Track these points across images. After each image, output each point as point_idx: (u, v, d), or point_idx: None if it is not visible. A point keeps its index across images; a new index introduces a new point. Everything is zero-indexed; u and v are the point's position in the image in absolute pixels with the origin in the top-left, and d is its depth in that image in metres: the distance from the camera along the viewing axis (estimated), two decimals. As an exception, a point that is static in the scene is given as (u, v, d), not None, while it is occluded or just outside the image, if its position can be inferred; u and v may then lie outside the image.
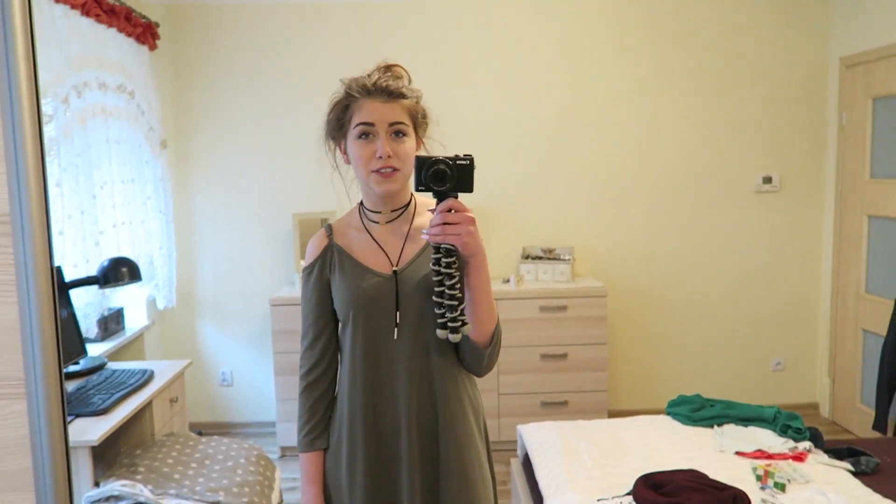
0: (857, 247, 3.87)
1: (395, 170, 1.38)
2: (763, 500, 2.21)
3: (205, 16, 3.93)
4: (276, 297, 3.72)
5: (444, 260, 1.30)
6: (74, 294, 2.79)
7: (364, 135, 1.39)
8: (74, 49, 2.82)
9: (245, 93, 3.98)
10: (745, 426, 2.79)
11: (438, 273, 1.31)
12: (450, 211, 1.28)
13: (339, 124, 1.44)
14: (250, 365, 4.14)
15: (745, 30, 4.03)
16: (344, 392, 1.47)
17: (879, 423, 3.24)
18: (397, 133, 1.39)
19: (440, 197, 1.29)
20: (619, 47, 4.03)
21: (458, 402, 1.45)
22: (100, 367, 2.75)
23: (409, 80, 1.45)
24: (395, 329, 1.42)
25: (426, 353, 1.43)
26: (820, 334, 4.25)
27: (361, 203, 1.51)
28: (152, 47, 3.65)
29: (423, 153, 1.46)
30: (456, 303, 1.31)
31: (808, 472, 2.40)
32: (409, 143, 1.41)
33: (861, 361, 3.86)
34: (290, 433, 3.67)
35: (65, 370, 2.27)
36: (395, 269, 1.44)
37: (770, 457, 2.53)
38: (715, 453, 2.59)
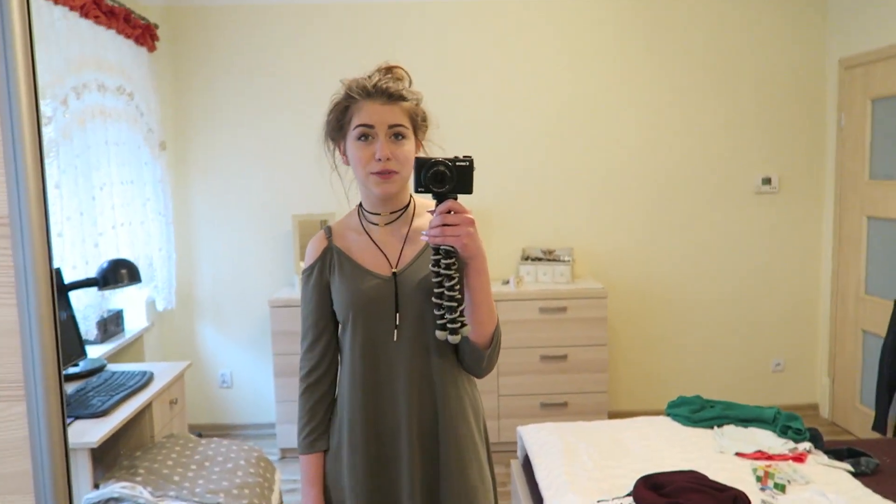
0: (856, 248, 3.87)
1: (393, 172, 1.38)
2: (763, 501, 2.20)
3: (204, 17, 3.93)
4: (276, 298, 3.72)
5: (443, 261, 1.30)
6: (74, 296, 2.79)
7: (363, 136, 1.39)
8: (73, 51, 2.82)
9: (244, 94, 3.98)
10: (745, 427, 2.79)
11: (438, 274, 1.31)
12: (449, 212, 1.28)
13: (338, 125, 1.44)
14: (250, 366, 4.14)
15: (744, 32, 4.04)
16: (344, 393, 1.47)
17: (879, 424, 3.24)
18: (396, 136, 1.39)
19: (440, 198, 1.29)
20: (618, 50, 4.03)
21: (458, 403, 1.45)
22: (99, 369, 2.75)
23: (410, 82, 1.45)
24: (395, 331, 1.42)
25: (426, 355, 1.43)
26: (820, 335, 4.25)
27: (360, 205, 1.51)
28: (151, 49, 3.66)
29: (422, 155, 1.46)
30: (455, 304, 1.31)
31: (808, 472, 2.40)
32: (408, 145, 1.41)
33: (861, 362, 3.86)
34: (289, 435, 3.67)
35: (64, 372, 2.27)
36: (394, 270, 1.44)
37: (770, 458, 2.53)
38: (715, 454, 2.59)
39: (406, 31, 3.97)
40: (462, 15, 3.98)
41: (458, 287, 1.31)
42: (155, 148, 3.65)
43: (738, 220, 4.15)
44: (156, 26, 3.69)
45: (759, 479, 2.35)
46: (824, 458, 2.54)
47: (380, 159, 1.37)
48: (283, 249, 4.07)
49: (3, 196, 0.77)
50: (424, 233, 1.32)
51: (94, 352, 3.02)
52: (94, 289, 2.83)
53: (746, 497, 2.13)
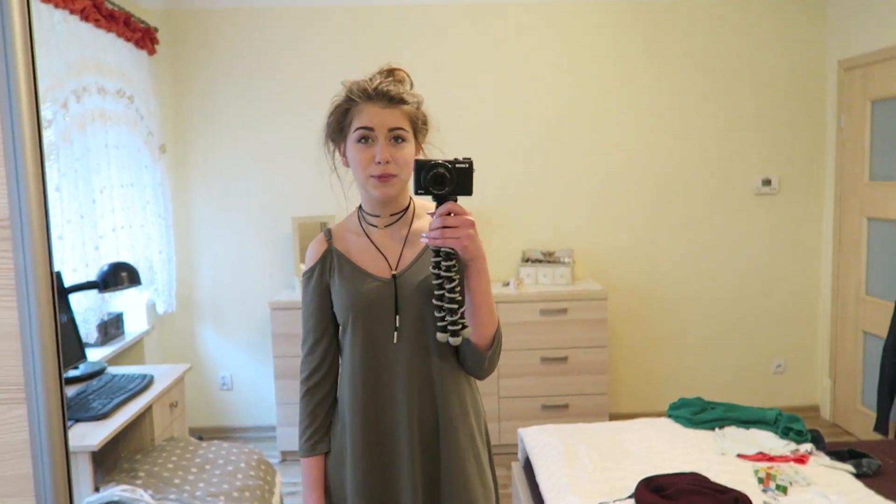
0: (856, 249, 3.87)
1: (392, 175, 1.38)
2: (765, 503, 2.20)
3: (203, 20, 3.94)
4: (276, 300, 3.72)
5: (443, 263, 1.30)
6: (74, 299, 2.79)
7: (363, 139, 1.39)
8: (73, 54, 2.82)
9: (244, 97, 3.99)
10: (747, 428, 2.79)
11: (438, 276, 1.31)
12: (449, 214, 1.28)
13: (339, 127, 1.44)
14: (250, 369, 4.14)
15: (744, 34, 4.04)
16: (344, 396, 1.47)
17: (880, 425, 3.24)
18: (397, 139, 1.39)
19: (439, 200, 1.29)
20: (617, 52, 4.03)
21: (458, 404, 1.44)
22: (99, 372, 2.75)
23: (411, 85, 1.45)
24: (395, 333, 1.42)
25: (426, 357, 1.43)
26: (820, 336, 4.25)
27: (360, 207, 1.51)
28: (151, 52, 3.66)
29: (421, 157, 1.46)
30: (456, 306, 1.31)
31: (809, 474, 2.40)
32: (408, 148, 1.41)
33: (862, 363, 3.85)
34: (290, 437, 3.67)
35: (64, 375, 2.27)
36: (394, 272, 1.44)
37: (771, 459, 2.53)
38: (716, 456, 2.58)
39: (406, 34, 3.97)
40: (462, 18, 3.98)
41: (458, 289, 1.31)
42: (155, 151, 3.65)
43: (739, 221, 4.15)
44: (156, 30, 3.70)
45: (760, 480, 2.35)
46: (826, 459, 2.54)
47: (379, 162, 1.37)
48: (283, 252, 4.07)
49: (4, 198, 0.77)
50: (424, 235, 1.32)
51: (95, 355, 3.02)
52: (95, 292, 2.84)
53: (748, 499, 2.12)
